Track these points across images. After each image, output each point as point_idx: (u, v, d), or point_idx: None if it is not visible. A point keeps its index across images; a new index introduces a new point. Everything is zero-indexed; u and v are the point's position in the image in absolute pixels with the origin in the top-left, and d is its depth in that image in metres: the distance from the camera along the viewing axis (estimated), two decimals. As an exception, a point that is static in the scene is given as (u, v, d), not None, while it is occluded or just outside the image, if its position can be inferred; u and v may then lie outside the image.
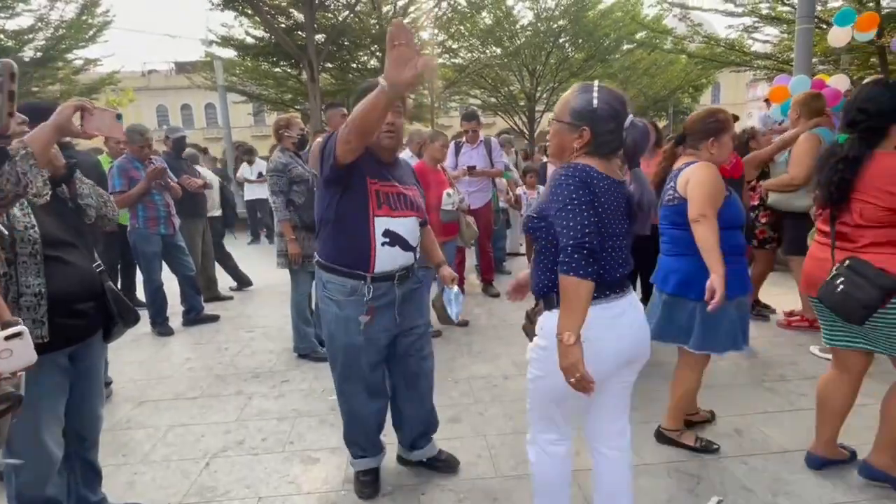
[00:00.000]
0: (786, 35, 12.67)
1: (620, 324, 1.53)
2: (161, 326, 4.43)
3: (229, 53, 14.67)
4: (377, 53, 15.19)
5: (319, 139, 4.32)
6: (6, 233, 1.50)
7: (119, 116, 1.64)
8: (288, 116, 3.88)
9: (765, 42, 13.33)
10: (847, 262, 1.99)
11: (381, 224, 1.92)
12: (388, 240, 1.93)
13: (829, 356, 3.29)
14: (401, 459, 2.40)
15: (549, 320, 1.51)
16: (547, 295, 1.57)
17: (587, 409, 1.66)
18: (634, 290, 1.68)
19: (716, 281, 1.99)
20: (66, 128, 1.52)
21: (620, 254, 1.53)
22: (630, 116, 1.49)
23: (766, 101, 6.61)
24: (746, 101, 32.98)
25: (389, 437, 2.34)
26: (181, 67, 33.23)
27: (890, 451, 2.08)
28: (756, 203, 4.16)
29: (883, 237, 1.96)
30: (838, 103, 5.76)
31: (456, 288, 2.21)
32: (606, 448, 1.70)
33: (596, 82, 1.54)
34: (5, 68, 1.00)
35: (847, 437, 2.28)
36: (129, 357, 3.87)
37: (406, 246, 1.99)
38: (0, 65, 1.00)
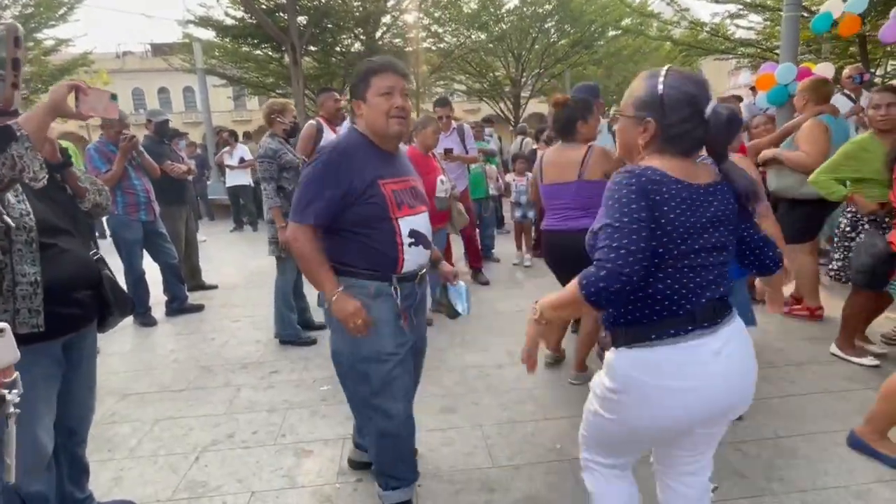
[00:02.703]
0: (769, 22, 12.76)
1: (706, 370, 1.21)
2: (143, 317, 4.32)
3: (208, 35, 14.27)
4: (361, 37, 14.92)
5: (312, 121, 4.28)
6: (11, 224, 1.44)
7: (114, 97, 1.62)
8: (283, 102, 3.80)
9: (748, 29, 13.41)
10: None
11: (405, 224, 1.76)
12: (413, 240, 1.78)
13: (845, 355, 3.18)
14: (354, 463, 2.26)
15: (618, 359, 1.27)
16: (613, 328, 1.30)
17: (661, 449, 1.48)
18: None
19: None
20: (62, 108, 1.48)
21: (706, 274, 1.22)
22: (712, 102, 1.22)
23: (752, 88, 6.65)
24: (728, 90, 33.28)
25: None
26: (158, 49, 32.31)
27: (874, 423, 2.21)
28: None
29: None
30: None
31: (461, 283, 2.12)
32: (677, 483, 1.48)
33: (666, 66, 1.28)
34: (9, 31, 0.89)
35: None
36: (111, 349, 3.76)
37: (427, 244, 1.85)
38: (3, 27, 0.89)
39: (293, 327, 3.76)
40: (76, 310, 1.63)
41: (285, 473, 2.27)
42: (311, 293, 4.26)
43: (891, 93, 2.93)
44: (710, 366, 1.21)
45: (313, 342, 3.73)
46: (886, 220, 2.73)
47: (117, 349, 3.80)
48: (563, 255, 2.75)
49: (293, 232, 1.75)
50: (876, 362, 3.02)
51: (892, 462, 2.16)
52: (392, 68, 1.74)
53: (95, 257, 1.73)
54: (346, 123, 3.89)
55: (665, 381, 1.20)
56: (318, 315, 4.18)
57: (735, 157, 2.31)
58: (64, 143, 4.39)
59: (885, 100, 2.88)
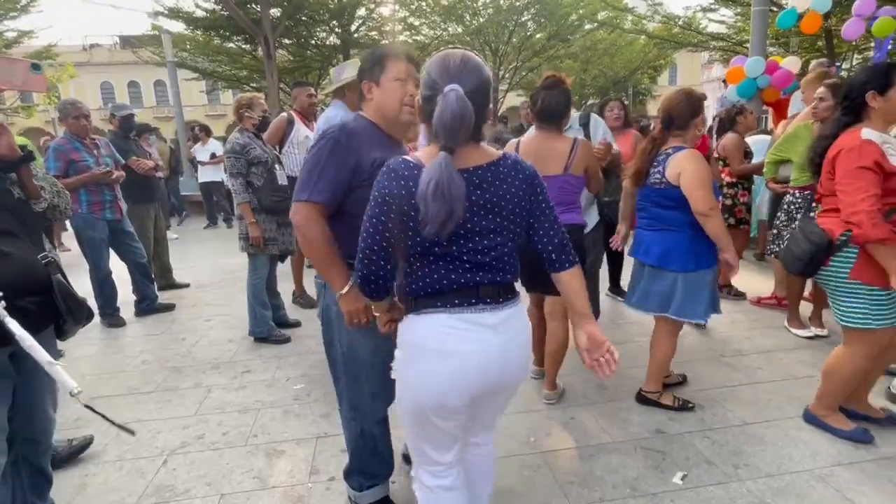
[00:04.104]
0: (740, 17, 12.99)
1: (483, 337, 1.29)
2: (111, 318, 4.20)
3: (178, 27, 13.90)
4: (336, 29, 14.71)
5: (284, 114, 4.21)
6: None
7: (36, 67, 1.45)
8: (251, 95, 3.71)
9: (720, 23, 13.64)
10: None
11: None
12: None
13: (803, 332, 3.46)
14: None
15: (408, 326, 1.36)
16: (406, 297, 1.37)
17: (453, 436, 1.44)
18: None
19: (731, 259, 2.32)
20: None
21: (481, 257, 1.28)
22: (450, 87, 1.17)
23: (724, 81, 6.76)
24: (702, 83, 33.84)
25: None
26: (126, 41, 31.36)
27: (824, 401, 2.39)
28: (734, 180, 4.24)
29: (833, 204, 2.17)
30: (790, 84, 5.93)
31: None
32: (466, 452, 1.57)
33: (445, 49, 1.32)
34: None
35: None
36: (77, 352, 3.65)
37: None
38: None
39: (267, 324, 3.70)
40: (19, 318, 1.49)
41: (256, 475, 2.23)
42: (285, 290, 4.22)
43: (824, 88, 3.17)
44: (488, 335, 1.30)
45: (287, 340, 3.68)
46: (812, 207, 2.95)
47: (84, 352, 3.69)
48: None
49: (299, 211, 1.61)
50: (809, 333, 3.44)
51: (842, 434, 2.31)
52: (408, 56, 1.70)
53: (45, 261, 1.61)
54: (330, 114, 3.56)
55: (448, 346, 1.28)
56: (292, 312, 4.13)
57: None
58: (21, 140, 4.26)
59: (819, 94, 3.20)
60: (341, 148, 1.64)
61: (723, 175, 4.30)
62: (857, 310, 2.14)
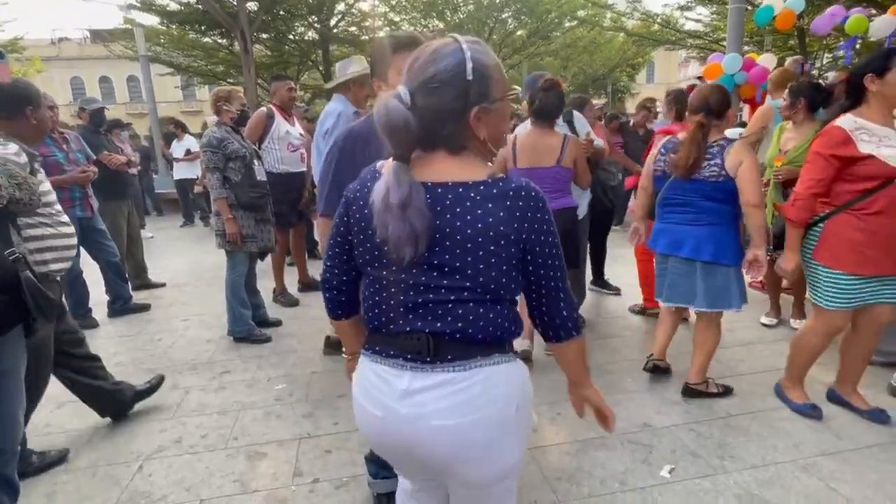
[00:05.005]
0: (716, 15, 13.21)
1: (389, 404, 1.02)
2: (83, 319, 4.03)
3: (151, 20, 13.56)
4: (315, 24, 14.51)
5: (263, 108, 4.10)
6: None
7: None
8: (229, 89, 3.59)
9: (696, 21, 13.85)
10: None
11: None
12: None
13: (765, 319, 3.59)
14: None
15: None
16: None
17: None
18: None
19: (760, 256, 2.32)
20: None
21: (414, 295, 1.00)
22: (399, 91, 0.96)
23: (700, 78, 6.83)
24: (680, 81, 34.39)
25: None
26: (97, 35, 30.52)
27: (788, 371, 2.56)
28: None
29: None
30: (766, 81, 6.03)
31: None
32: None
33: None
34: None
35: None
36: (46, 354, 3.51)
37: None
38: None
39: (246, 324, 3.61)
40: None
41: (237, 478, 2.16)
42: (265, 288, 4.12)
43: (786, 90, 3.27)
44: (396, 402, 1.02)
45: (268, 339, 3.59)
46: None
47: (54, 354, 3.55)
48: None
49: (319, 225, 1.72)
50: (769, 322, 3.61)
51: (792, 405, 2.50)
52: (416, 46, 1.48)
53: (12, 257, 1.54)
54: (329, 108, 3.31)
55: (359, 396, 1.10)
56: (273, 311, 4.04)
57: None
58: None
59: (783, 95, 3.31)
60: (346, 156, 1.63)
61: None
62: (814, 285, 2.31)
